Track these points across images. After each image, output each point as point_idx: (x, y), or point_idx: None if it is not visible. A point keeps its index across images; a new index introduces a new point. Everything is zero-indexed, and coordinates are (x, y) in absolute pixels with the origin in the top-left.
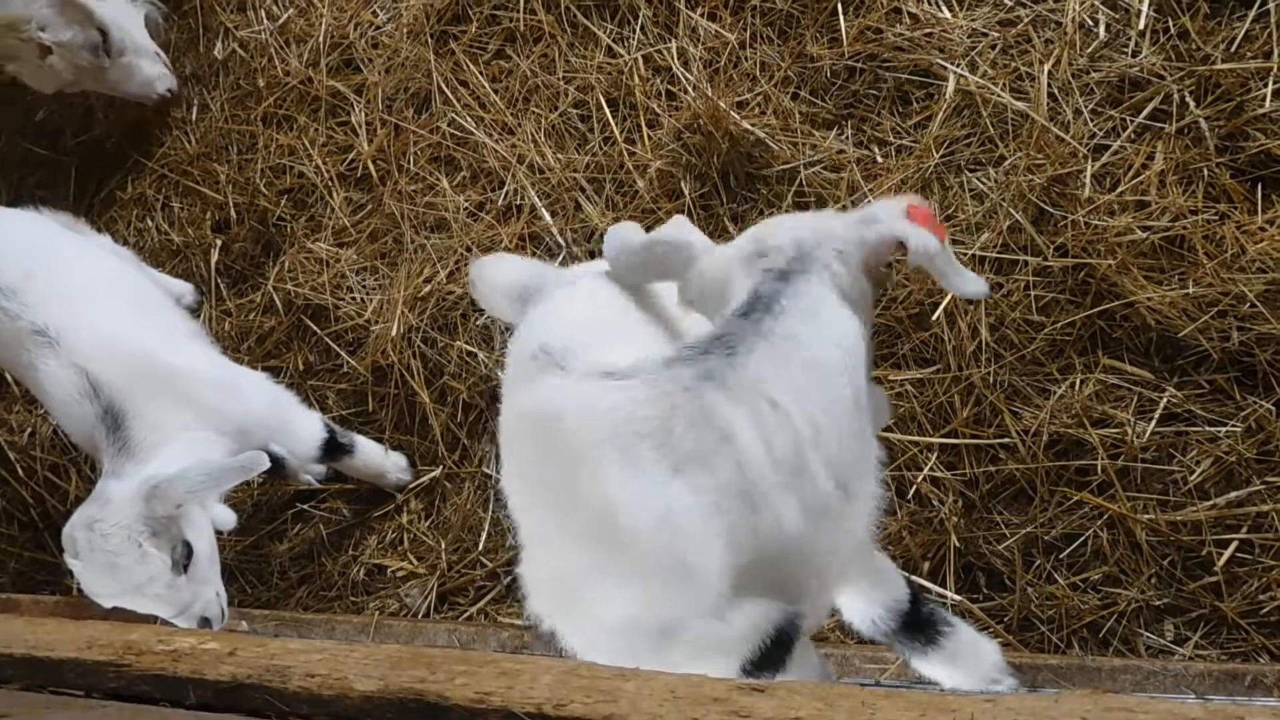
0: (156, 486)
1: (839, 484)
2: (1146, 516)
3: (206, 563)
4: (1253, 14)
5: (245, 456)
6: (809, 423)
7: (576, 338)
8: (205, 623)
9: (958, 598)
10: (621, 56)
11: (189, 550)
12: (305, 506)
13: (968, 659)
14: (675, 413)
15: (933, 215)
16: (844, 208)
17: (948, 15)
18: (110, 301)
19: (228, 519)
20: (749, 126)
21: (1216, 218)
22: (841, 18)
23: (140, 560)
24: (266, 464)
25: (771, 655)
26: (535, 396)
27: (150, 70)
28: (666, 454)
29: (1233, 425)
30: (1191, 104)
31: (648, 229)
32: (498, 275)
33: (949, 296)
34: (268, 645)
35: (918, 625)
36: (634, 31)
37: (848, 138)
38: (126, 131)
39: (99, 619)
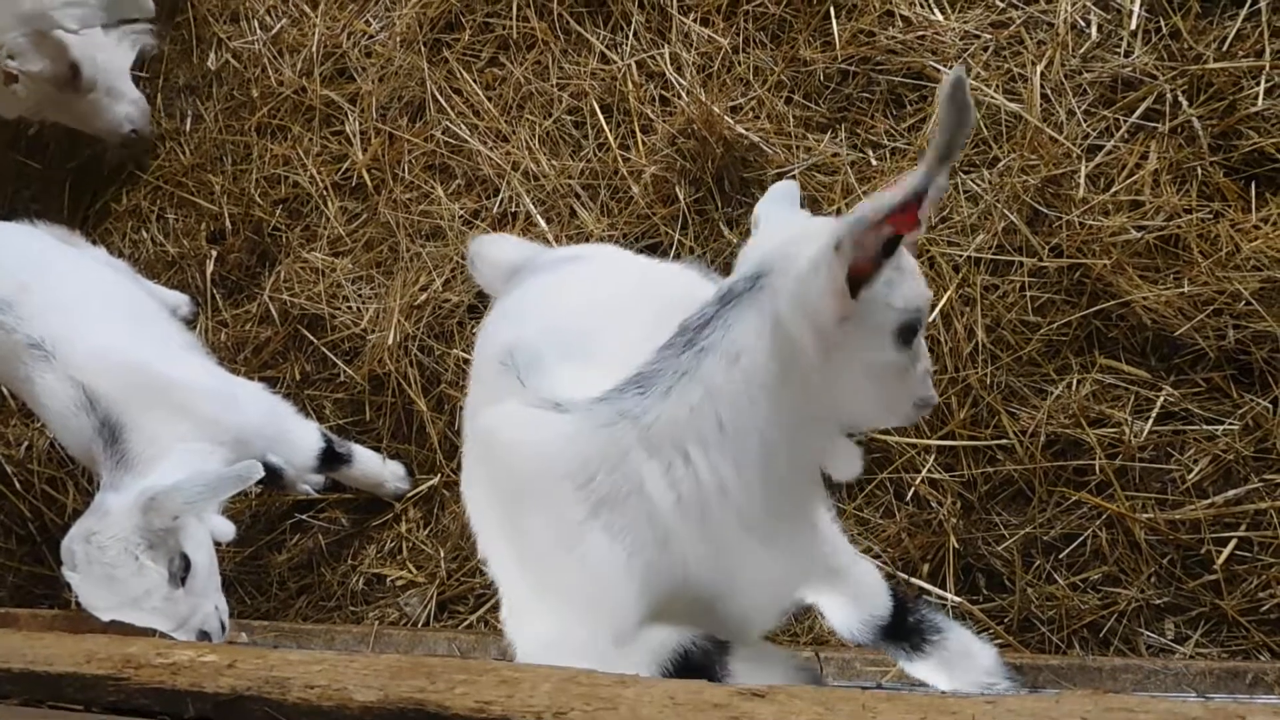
0: (153, 498)
1: (754, 528)
2: (1145, 516)
3: (205, 576)
4: (1244, 13)
5: (241, 466)
6: (716, 481)
7: (547, 342)
8: (204, 636)
9: (958, 599)
10: (615, 63)
11: (187, 563)
12: (304, 517)
13: (959, 663)
14: (594, 455)
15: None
16: (839, 211)
17: (940, 18)
18: (106, 314)
19: (226, 530)
20: (743, 131)
21: (1211, 216)
22: (834, 21)
23: (137, 573)
24: (261, 473)
25: (683, 676)
26: (492, 417)
27: (118, 110)
28: (585, 495)
29: (1230, 423)
30: (1184, 103)
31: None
32: (496, 254)
33: (945, 297)
34: (267, 657)
35: (902, 634)
36: (627, 37)
37: (842, 141)
38: (121, 144)
39: (98, 633)
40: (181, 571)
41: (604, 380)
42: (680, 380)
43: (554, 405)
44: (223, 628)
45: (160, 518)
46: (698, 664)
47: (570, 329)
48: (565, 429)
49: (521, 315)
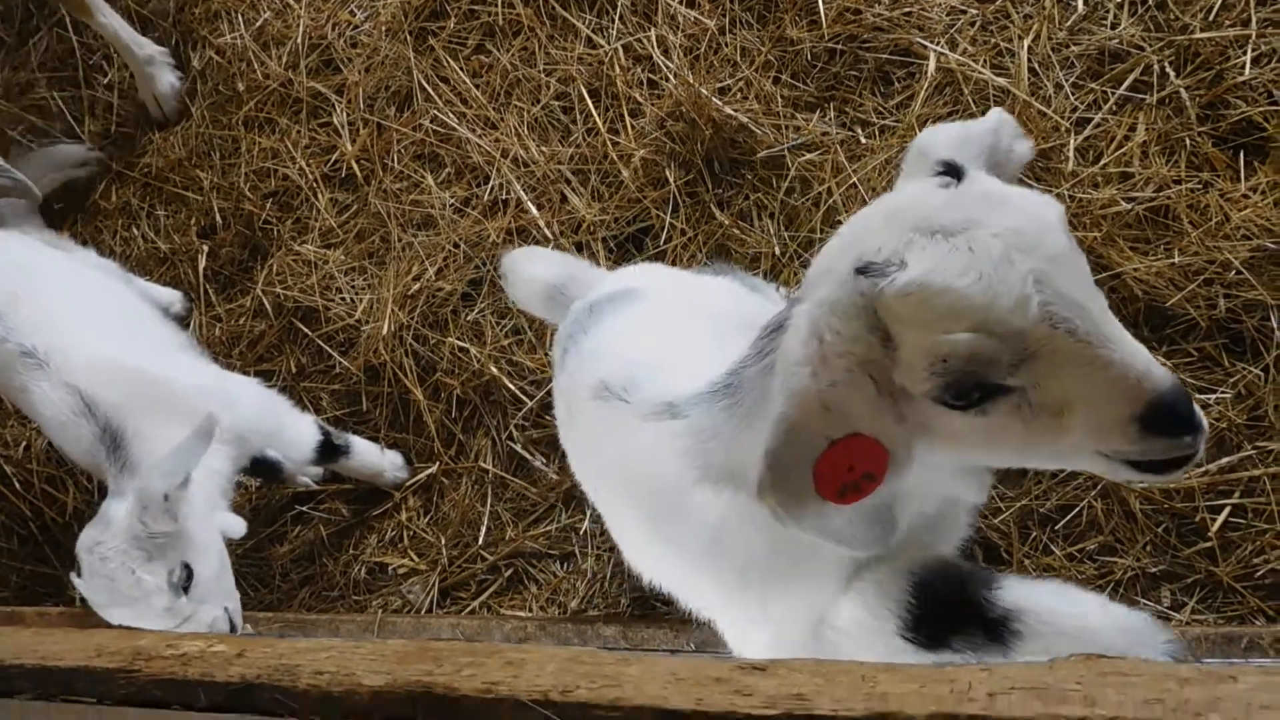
0: (139, 499)
1: None
2: (1140, 485)
3: (211, 580)
4: None
5: (201, 423)
6: None
7: (634, 368)
8: None
9: None
10: (601, 47)
11: (189, 572)
12: (304, 508)
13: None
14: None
15: None
16: (829, 190)
17: None
18: (97, 318)
19: (238, 527)
20: (732, 112)
21: (1200, 186)
22: (820, 0)
23: (136, 585)
24: (217, 423)
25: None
26: (616, 442)
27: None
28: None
29: (1222, 392)
30: (1172, 74)
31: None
32: (530, 272)
33: None
34: (275, 645)
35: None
36: (613, 21)
37: (831, 120)
38: (108, 142)
39: (106, 627)
40: (184, 580)
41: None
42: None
43: (668, 407)
44: (234, 628)
45: (156, 516)
46: (945, 593)
47: (649, 360)
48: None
49: (600, 356)
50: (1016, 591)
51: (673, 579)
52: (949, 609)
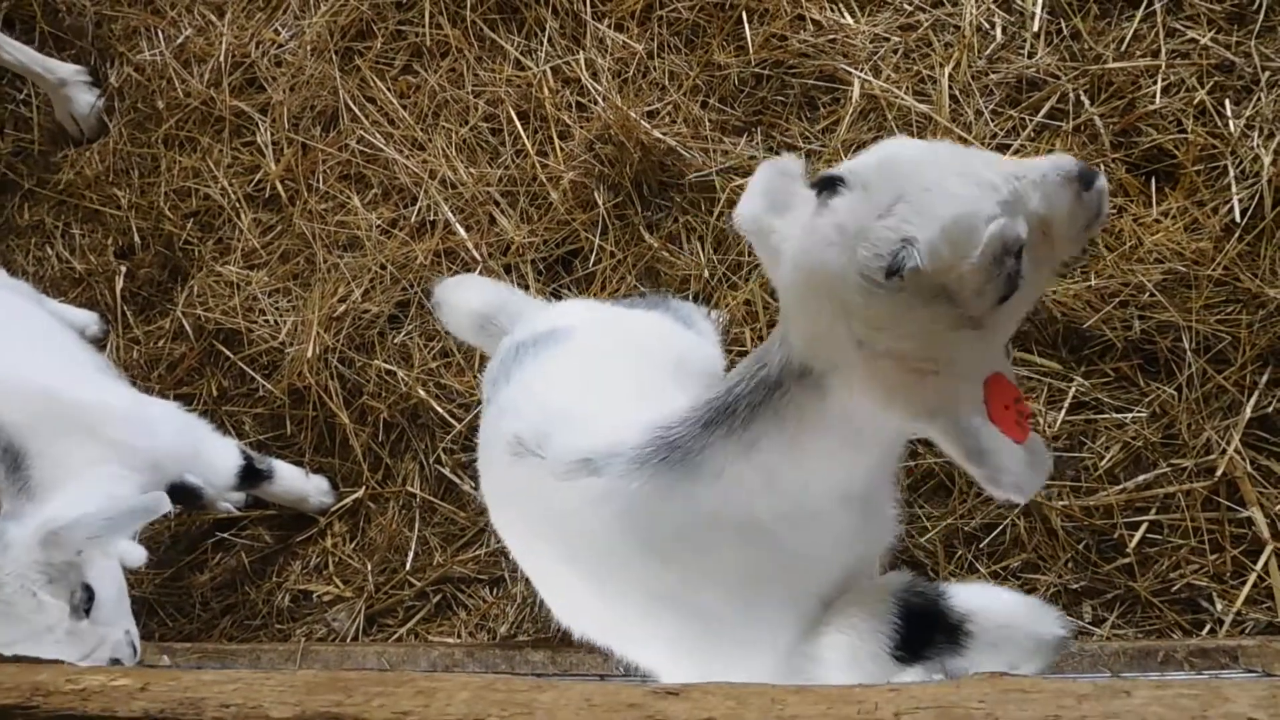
0: (54, 533)
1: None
2: (1060, 503)
3: (112, 605)
4: (1140, 14)
5: (148, 497)
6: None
7: (548, 422)
8: (116, 663)
9: None
10: (530, 69)
11: (90, 594)
12: (225, 535)
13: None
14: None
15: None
16: None
17: (850, 21)
18: (6, 339)
19: (136, 556)
20: (660, 135)
21: (1114, 211)
22: (747, 26)
23: (36, 609)
24: (167, 506)
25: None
26: (538, 500)
27: None
28: (683, 546)
29: (1138, 411)
30: (1086, 102)
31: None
32: (462, 302)
33: None
34: (180, 678)
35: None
36: (541, 44)
37: (758, 143)
38: (19, 158)
39: (4, 662)
40: (84, 603)
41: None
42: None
43: (584, 464)
44: (134, 651)
45: (61, 552)
46: (920, 609)
47: (563, 406)
48: (615, 487)
49: (517, 408)
50: (961, 596)
51: (615, 634)
52: (927, 623)
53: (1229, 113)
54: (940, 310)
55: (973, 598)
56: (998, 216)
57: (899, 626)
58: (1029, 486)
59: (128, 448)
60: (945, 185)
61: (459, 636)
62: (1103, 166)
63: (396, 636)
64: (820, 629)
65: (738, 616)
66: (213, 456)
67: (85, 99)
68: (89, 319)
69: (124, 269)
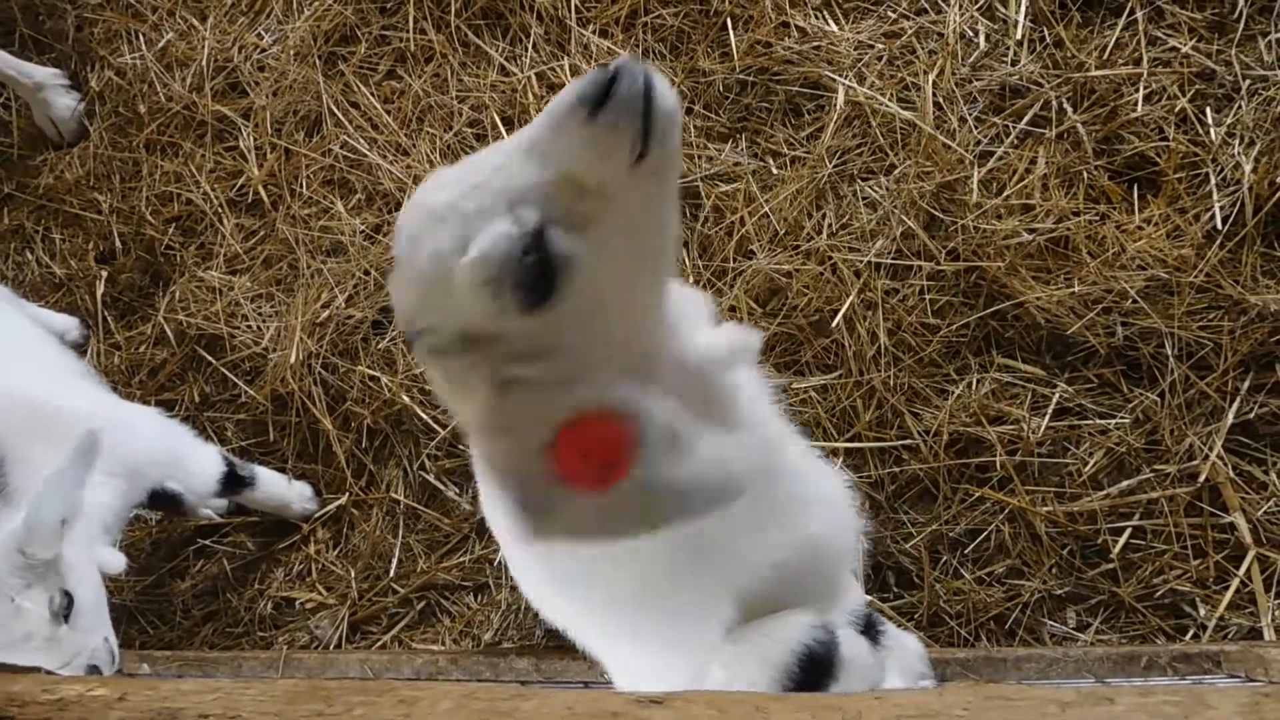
0: (25, 526)
1: None
2: (1045, 509)
3: (92, 610)
4: (1122, 22)
5: (80, 442)
6: None
7: None
8: (94, 670)
9: (868, 597)
10: (515, 75)
11: (69, 600)
12: (207, 542)
13: (899, 659)
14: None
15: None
16: (742, 219)
17: (834, 28)
18: None
19: (115, 562)
20: None
21: (1097, 218)
22: (731, 33)
23: (15, 615)
24: (100, 443)
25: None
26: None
27: None
28: None
29: (1121, 417)
30: (1069, 110)
31: None
32: None
33: (847, 303)
34: (159, 688)
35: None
36: (526, 50)
37: (743, 150)
38: None
39: None
40: (64, 609)
41: None
42: None
43: None
44: (113, 658)
45: (40, 543)
46: (822, 658)
47: None
48: None
49: None
50: (846, 645)
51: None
52: (819, 669)
53: (1210, 120)
54: (479, 358)
55: (849, 653)
56: (466, 244)
57: (795, 674)
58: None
59: (108, 455)
60: (420, 237)
61: (443, 644)
62: (1085, 174)
63: (380, 644)
64: (712, 661)
65: (655, 624)
66: (194, 463)
67: (64, 102)
68: (69, 324)
69: (105, 274)
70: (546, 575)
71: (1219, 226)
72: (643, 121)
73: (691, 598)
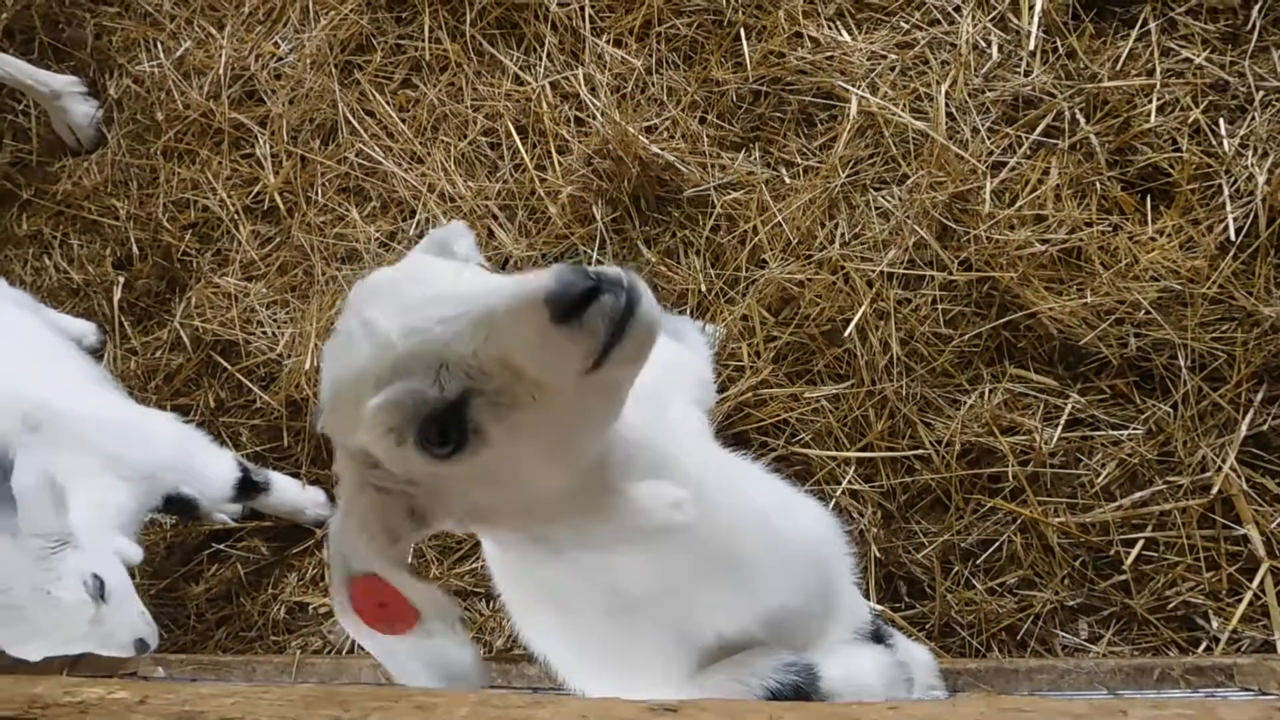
0: (21, 513)
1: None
2: (1057, 520)
3: (123, 587)
4: (1135, 33)
5: (25, 418)
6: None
7: None
8: (142, 645)
9: (879, 607)
10: (529, 84)
11: (101, 581)
12: (221, 546)
13: (912, 669)
14: None
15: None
16: (754, 228)
17: (847, 39)
18: (1, 350)
19: (133, 554)
20: (658, 151)
21: (1110, 229)
22: (745, 43)
23: (55, 607)
24: (37, 422)
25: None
26: None
27: None
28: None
29: (1134, 428)
30: (1082, 120)
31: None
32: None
33: (860, 313)
34: (179, 691)
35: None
36: (540, 59)
37: (756, 159)
38: (17, 168)
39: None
40: (99, 591)
41: None
42: None
43: None
44: (154, 631)
45: (40, 517)
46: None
47: None
48: None
49: None
50: (829, 674)
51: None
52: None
53: (1223, 132)
54: (365, 469)
55: (837, 676)
56: (384, 380)
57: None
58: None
59: (122, 459)
60: (353, 337)
61: None
62: (1098, 185)
63: None
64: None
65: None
66: (209, 468)
67: (82, 110)
68: (87, 329)
69: (122, 280)
70: (516, 594)
71: (1232, 238)
72: (609, 336)
73: (656, 636)
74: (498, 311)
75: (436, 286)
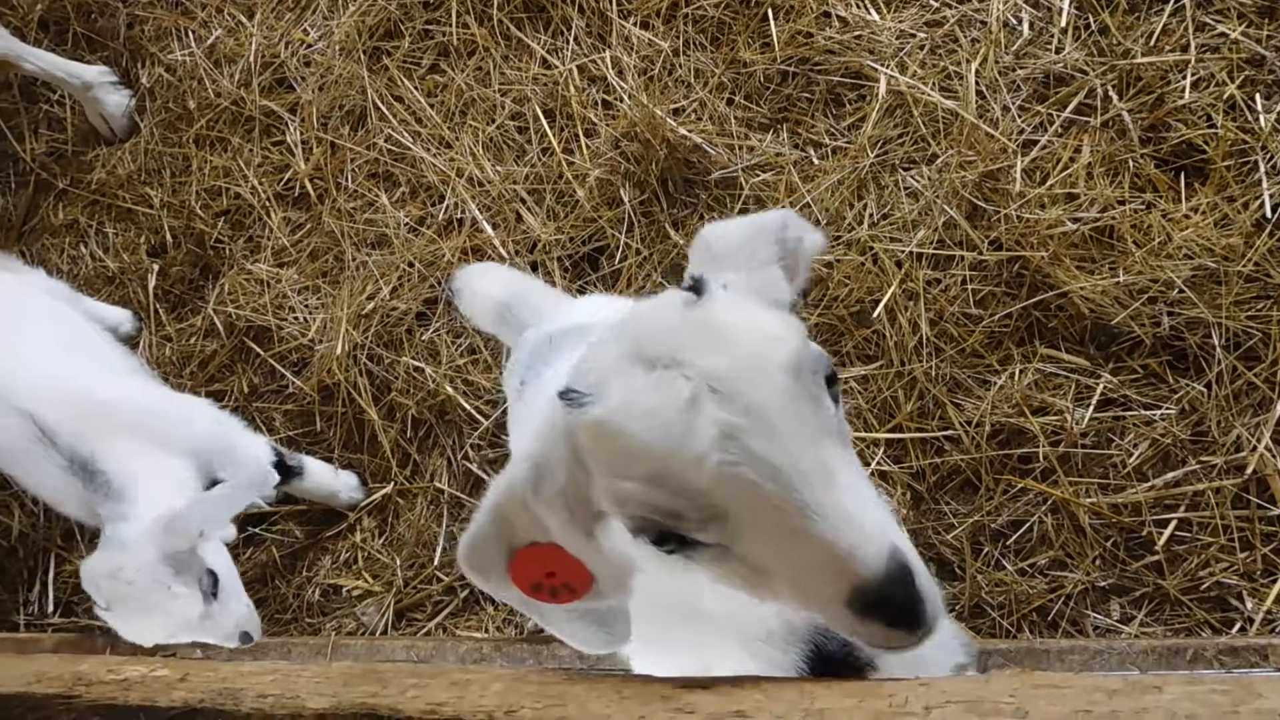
0: (172, 522)
1: None
2: (1088, 500)
3: (232, 581)
4: (1169, 8)
5: (252, 476)
6: None
7: None
8: (247, 637)
9: None
10: (556, 67)
11: (214, 577)
12: (257, 530)
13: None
14: None
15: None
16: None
17: (876, 17)
18: (45, 342)
19: (228, 532)
20: (685, 133)
21: (1143, 207)
22: (772, 23)
23: (172, 599)
24: (275, 479)
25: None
26: None
27: None
28: None
29: (1167, 408)
30: (1114, 97)
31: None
32: (481, 289)
33: (889, 293)
34: (219, 669)
35: None
36: (568, 42)
37: (784, 140)
38: (53, 158)
39: (47, 652)
40: (211, 587)
41: None
42: None
43: None
44: (258, 623)
45: (183, 540)
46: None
47: None
48: None
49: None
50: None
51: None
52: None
53: (1260, 107)
54: (573, 472)
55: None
56: (662, 488)
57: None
58: None
59: (171, 439)
60: (679, 397)
61: (487, 631)
62: (1131, 162)
63: (425, 631)
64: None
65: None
66: (244, 453)
67: (115, 99)
68: (123, 317)
69: (156, 267)
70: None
71: (1268, 215)
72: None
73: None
74: (806, 551)
75: (760, 396)
